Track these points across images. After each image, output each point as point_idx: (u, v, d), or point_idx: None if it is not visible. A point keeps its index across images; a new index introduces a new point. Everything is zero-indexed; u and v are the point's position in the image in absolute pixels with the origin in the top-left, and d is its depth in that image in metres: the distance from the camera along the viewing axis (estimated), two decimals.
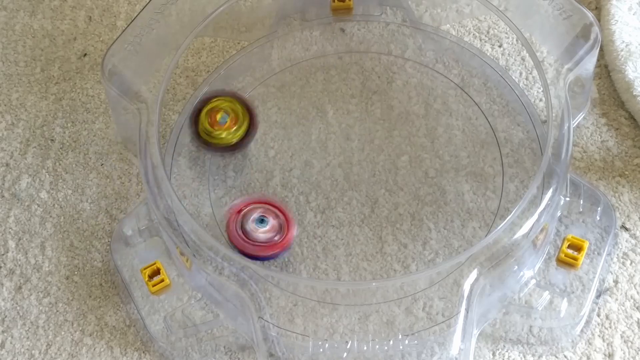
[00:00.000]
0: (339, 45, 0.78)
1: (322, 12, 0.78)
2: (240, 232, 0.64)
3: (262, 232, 0.64)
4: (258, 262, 0.63)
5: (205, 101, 0.70)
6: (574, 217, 0.65)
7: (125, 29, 0.69)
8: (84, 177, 0.72)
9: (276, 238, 0.64)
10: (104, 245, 0.68)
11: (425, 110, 0.73)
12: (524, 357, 0.62)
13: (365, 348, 0.58)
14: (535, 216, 0.60)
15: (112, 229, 0.69)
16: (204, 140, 0.69)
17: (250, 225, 0.64)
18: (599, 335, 0.62)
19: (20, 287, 0.67)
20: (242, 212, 0.65)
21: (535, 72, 0.74)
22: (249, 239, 0.64)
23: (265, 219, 0.64)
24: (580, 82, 0.69)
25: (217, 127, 0.68)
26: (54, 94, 0.77)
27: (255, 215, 0.64)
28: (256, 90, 0.76)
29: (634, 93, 0.72)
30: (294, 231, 0.65)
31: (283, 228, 0.64)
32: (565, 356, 0.61)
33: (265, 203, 0.65)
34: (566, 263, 0.63)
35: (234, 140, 0.69)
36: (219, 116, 0.68)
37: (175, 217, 0.62)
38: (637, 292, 0.64)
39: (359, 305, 0.62)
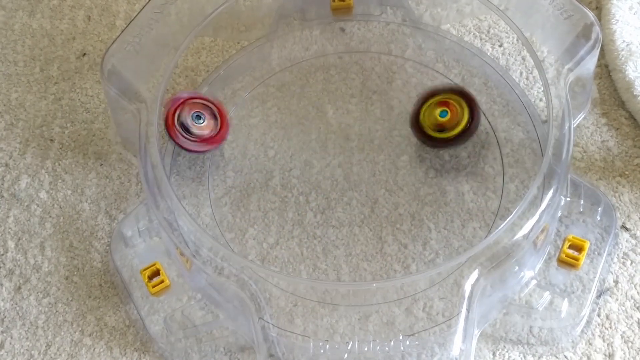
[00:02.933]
0: (339, 45, 0.78)
1: (322, 11, 0.78)
2: (177, 126, 0.68)
3: (198, 128, 0.68)
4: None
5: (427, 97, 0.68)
6: (575, 217, 0.65)
7: (125, 28, 0.69)
8: (84, 177, 0.72)
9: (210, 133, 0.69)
10: (103, 246, 0.68)
11: None
12: (524, 357, 0.62)
13: (366, 349, 0.58)
14: (536, 216, 0.60)
15: (112, 230, 0.69)
16: (429, 135, 0.68)
17: (188, 120, 0.68)
18: (600, 336, 0.62)
19: (19, 288, 0.67)
20: (180, 107, 0.68)
21: (535, 72, 0.74)
22: (185, 133, 0.68)
23: (201, 114, 0.68)
24: (581, 82, 0.68)
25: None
26: (53, 94, 0.77)
27: (193, 111, 0.68)
28: (256, 90, 0.75)
29: (635, 93, 0.72)
30: (227, 128, 0.70)
31: (217, 125, 0.69)
32: (565, 356, 0.61)
33: (202, 99, 0.69)
34: (567, 263, 0.63)
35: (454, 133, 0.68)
36: (438, 112, 0.68)
37: (175, 218, 0.62)
38: (638, 292, 0.64)
39: (359, 305, 0.62)
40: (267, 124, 0.73)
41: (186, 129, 0.68)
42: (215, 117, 0.69)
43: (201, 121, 0.68)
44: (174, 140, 0.68)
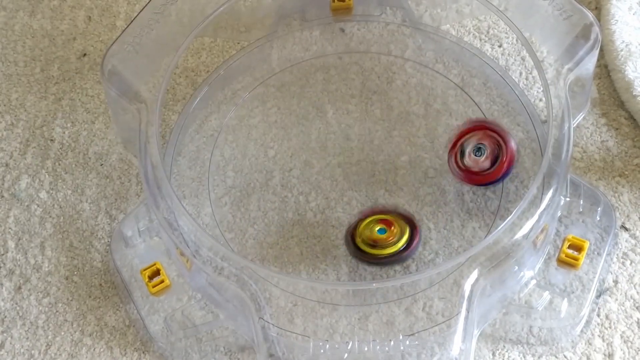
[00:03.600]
0: (338, 45, 0.78)
1: (322, 12, 0.78)
2: (459, 165, 0.65)
3: (472, 160, 0.65)
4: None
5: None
6: (574, 217, 0.65)
7: (125, 29, 0.69)
8: (84, 177, 0.72)
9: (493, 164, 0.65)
10: (103, 246, 0.68)
11: (425, 110, 0.73)
12: (524, 357, 0.62)
13: (366, 349, 0.58)
14: (536, 216, 0.60)
15: (112, 229, 0.69)
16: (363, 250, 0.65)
17: (467, 148, 0.65)
18: (599, 336, 0.62)
19: (19, 288, 0.67)
20: (459, 143, 0.65)
21: (535, 72, 0.74)
22: (469, 170, 0.65)
23: (482, 146, 0.65)
24: (580, 82, 0.68)
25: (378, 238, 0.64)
26: (53, 94, 0.77)
27: (473, 144, 0.65)
28: (256, 90, 0.76)
29: (634, 93, 0.72)
30: (513, 145, 0.65)
31: (492, 165, 0.65)
32: (565, 356, 0.61)
33: (481, 128, 0.65)
34: (567, 263, 0.63)
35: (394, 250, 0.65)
36: (377, 228, 0.64)
37: (175, 218, 0.62)
38: (637, 292, 0.64)
39: (359, 305, 0.62)
40: (267, 124, 0.73)
41: (462, 155, 0.66)
42: (495, 159, 0.65)
43: (480, 154, 0.65)
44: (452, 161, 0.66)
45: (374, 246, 0.64)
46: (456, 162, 0.66)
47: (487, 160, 0.65)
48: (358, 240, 0.64)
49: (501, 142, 0.65)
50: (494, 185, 0.67)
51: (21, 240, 0.69)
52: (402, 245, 0.64)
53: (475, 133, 0.66)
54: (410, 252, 0.64)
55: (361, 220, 0.65)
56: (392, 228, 0.64)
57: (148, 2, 0.70)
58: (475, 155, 0.65)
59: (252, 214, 0.69)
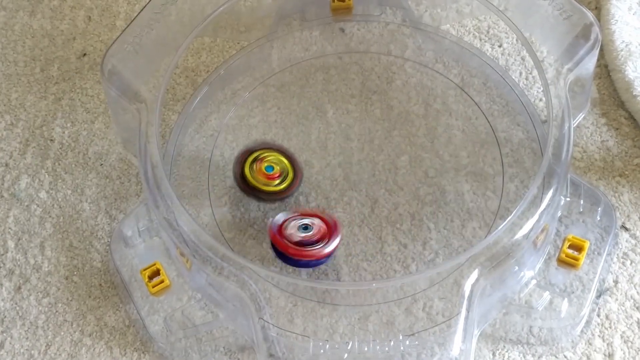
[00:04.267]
0: (338, 45, 0.78)
1: (322, 12, 0.78)
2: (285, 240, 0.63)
3: (306, 237, 0.63)
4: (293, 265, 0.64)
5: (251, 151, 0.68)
6: (574, 217, 0.65)
7: (125, 29, 0.69)
8: (84, 177, 0.72)
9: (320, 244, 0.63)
10: (103, 246, 0.68)
11: (425, 110, 0.73)
12: (524, 357, 0.62)
13: (365, 349, 0.58)
14: (536, 216, 0.60)
15: (112, 229, 0.69)
16: (249, 183, 0.67)
17: (292, 232, 0.63)
18: (599, 336, 0.62)
19: (19, 288, 0.67)
20: (283, 226, 0.63)
21: (535, 72, 0.74)
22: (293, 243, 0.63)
23: (308, 226, 0.63)
24: (581, 82, 0.68)
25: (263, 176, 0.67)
26: (53, 94, 0.77)
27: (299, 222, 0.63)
28: (256, 90, 0.76)
29: (634, 93, 0.72)
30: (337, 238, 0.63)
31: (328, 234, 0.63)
32: (565, 356, 0.61)
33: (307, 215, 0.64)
34: (567, 263, 0.63)
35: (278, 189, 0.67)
36: (264, 166, 0.67)
37: (175, 217, 0.62)
38: (637, 292, 0.64)
39: (359, 305, 0.62)
40: (267, 124, 0.73)
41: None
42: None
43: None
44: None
45: (270, 184, 0.67)
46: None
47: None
48: (255, 184, 0.67)
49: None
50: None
51: (21, 240, 0.69)
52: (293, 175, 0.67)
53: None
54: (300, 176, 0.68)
55: (242, 165, 0.67)
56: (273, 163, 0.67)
57: (148, 2, 0.70)
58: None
59: (252, 214, 0.69)
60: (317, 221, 0.63)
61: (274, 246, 0.63)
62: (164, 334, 0.62)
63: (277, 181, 0.67)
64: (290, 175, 0.67)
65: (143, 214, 0.66)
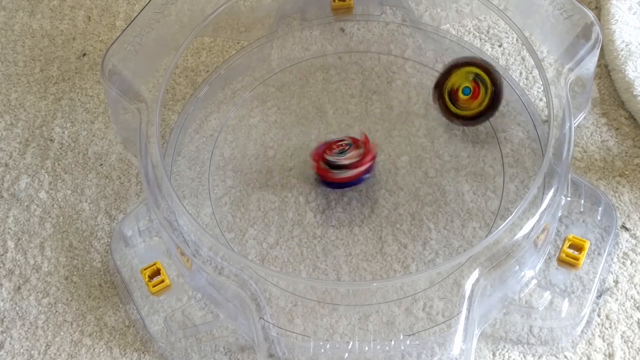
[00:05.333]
0: (338, 45, 0.78)
1: (322, 11, 0.79)
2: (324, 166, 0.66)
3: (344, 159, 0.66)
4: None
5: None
6: (575, 217, 0.65)
7: (125, 29, 0.69)
8: (83, 177, 0.72)
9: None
10: (103, 246, 0.68)
11: (425, 110, 0.73)
12: (524, 357, 0.62)
13: (366, 348, 0.58)
14: (537, 216, 0.60)
15: (112, 229, 0.69)
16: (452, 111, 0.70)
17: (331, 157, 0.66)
18: (599, 336, 0.62)
19: (19, 288, 0.67)
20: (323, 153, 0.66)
21: (535, 72, 0.74)
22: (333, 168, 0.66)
23: (344, 150, 0.66)
24: (581, 81, 0.68)
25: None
26: (53, 94, 0.77)
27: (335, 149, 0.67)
28: (256, 90, 0.76)
29: (634, 93, 0.72)
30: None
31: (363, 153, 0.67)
32: (565, 356, 0.61)
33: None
34: (567, 263, 0.63)
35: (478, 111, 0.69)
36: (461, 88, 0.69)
37: (175, 217, 0.62)
38: (637, 292, 0.64)
39: (359, 305, 0.62)
40: (267, 124, 0.73)
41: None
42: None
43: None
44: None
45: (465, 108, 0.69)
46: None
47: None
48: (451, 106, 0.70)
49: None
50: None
51: (21, 241, 0.69)
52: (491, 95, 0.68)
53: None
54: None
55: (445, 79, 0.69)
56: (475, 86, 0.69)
57: (148, 2, 0.70)
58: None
59: (252, 214, 0.69)
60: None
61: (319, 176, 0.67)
62: (164, 334, 0.62)
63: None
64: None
65: (143, 214, 0.66)
